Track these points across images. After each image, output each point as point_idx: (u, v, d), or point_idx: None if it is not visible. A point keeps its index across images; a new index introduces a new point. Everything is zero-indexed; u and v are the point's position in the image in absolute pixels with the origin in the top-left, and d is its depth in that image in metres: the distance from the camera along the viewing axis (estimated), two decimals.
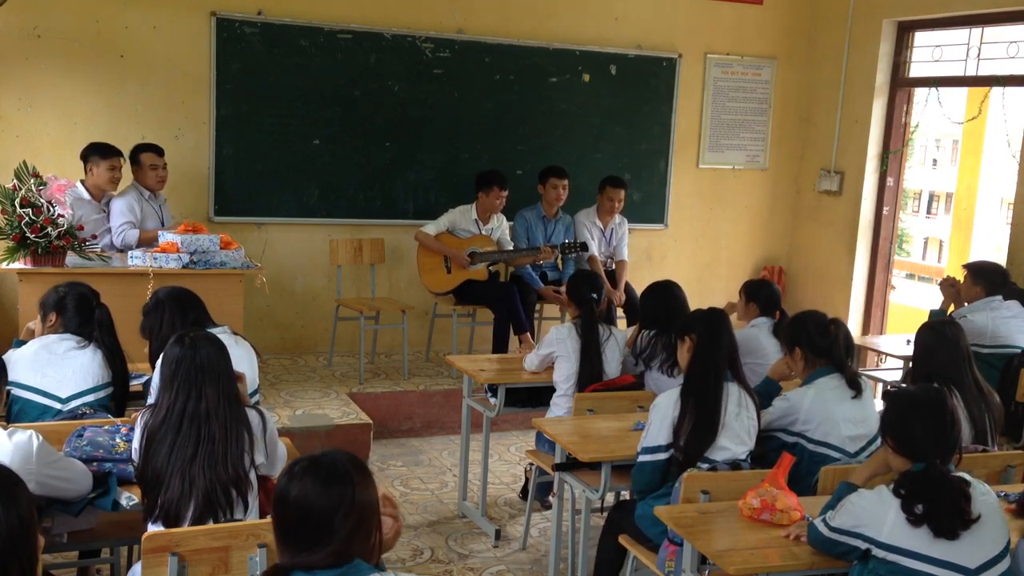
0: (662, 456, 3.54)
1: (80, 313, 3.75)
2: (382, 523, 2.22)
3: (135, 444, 3.00)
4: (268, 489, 3.03)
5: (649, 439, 3.59)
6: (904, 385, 4.60)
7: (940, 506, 2.70)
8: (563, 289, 6.64)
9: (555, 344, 4.65)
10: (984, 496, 2.79)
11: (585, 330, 4.60)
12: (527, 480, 5.32)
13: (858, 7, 7.85)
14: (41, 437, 2.90)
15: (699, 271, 8.34)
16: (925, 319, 5.46)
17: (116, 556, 3.69)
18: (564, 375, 4.61)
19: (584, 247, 6.90)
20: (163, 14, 6.53)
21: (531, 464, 4.91)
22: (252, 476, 2.98)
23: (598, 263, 7.03)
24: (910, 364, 5.00)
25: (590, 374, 4.55)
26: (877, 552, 2.75)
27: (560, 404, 4.62)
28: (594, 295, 4.69)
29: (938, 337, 3.96)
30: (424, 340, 7.30)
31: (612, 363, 4.63)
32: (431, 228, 6.77)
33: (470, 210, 6.85)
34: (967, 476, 2.81)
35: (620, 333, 4.77)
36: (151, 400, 3.58)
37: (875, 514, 2.76)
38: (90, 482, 3.08)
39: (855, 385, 3.76)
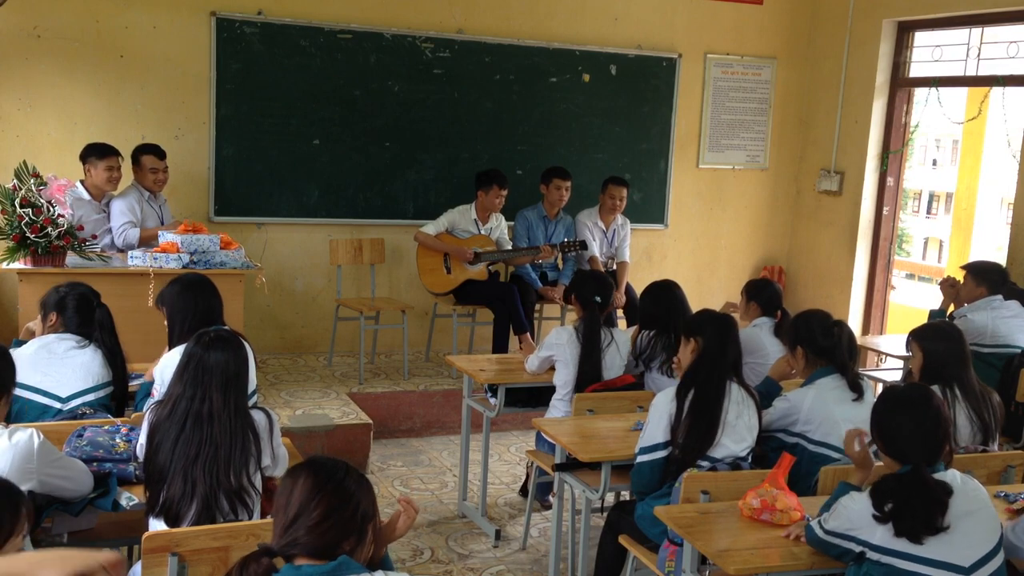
0: (660, 454, 3.53)
1: (80, 313, 3.75)
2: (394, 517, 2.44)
3: (142, 437, 3.02)
4: (268, 489, 3.03)
5: (647, 438, 3.58)
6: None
7: (911, 509, 2.68)
8: (560, 289, 6.65)
9: (554, 348, 4.61)
10: (975, 492, 2.78)
11: (586, 334, 4.56)
12: (527, 479, 5.31)
13: (858, 7, 7.85)
14: (42, 436, 2.90)
15: (699, 271, 8.34)
16: (925, 319, 5.47)
17: None
18: (563, 380, 4.59)
19: (583, 245, 6.89)
20: (163, 14, 6.52)
21: (531, 463, 4.90)
22: (257, 480, 2.98)
23: (598, 263, 7.02)
24: (910, 365, 5.00)
25: (589, 379, 4.52)
26: (871, 555, 2.74)
27: (559, 407, 4.60)
28: (598, 299, 4.62)
29: (943, 338, 3.95)
30: (424, 340, 7.29)
31: (612, 370, 4.58)
32: (431, 228, 6.77)
33: (469, 210, 6.85)
34: (952, 481, 2.77)
35: (623, 336, 4.69)
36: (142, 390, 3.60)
37: (868, 517, 2.74)
38: (91, 482, 3.09)
39: (856, 388, 3.76)
